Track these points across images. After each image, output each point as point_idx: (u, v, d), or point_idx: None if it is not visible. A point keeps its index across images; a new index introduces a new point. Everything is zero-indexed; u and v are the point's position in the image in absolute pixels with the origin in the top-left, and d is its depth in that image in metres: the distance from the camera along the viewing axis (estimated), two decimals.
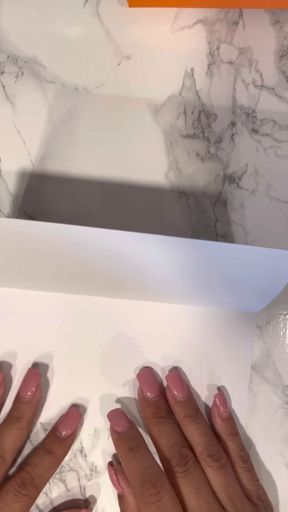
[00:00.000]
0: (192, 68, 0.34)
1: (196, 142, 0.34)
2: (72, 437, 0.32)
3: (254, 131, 0.34)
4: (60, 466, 0.34)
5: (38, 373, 0.32)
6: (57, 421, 0.32)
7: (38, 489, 0.30)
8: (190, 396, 0.32)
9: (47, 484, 0.34)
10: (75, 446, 0.34)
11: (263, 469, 0.33)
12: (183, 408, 0.31)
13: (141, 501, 0.27)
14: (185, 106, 0.34)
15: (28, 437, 0.33)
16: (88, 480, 0.34)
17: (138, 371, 0.32)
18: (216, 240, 0.34)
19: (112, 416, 0.31)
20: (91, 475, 0.34)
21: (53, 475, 0.34)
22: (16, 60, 0.34)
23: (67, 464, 0.34)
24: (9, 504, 0.29)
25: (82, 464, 0.34)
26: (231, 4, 0.33)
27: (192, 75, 0.34)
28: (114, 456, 0.34)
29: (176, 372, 0.32)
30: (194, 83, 0.34)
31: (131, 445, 0.29)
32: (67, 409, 0.33)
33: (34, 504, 0.33)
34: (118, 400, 0.33)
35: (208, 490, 0.28)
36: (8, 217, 0.35)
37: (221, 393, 0.33)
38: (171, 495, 0.27)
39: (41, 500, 0.34)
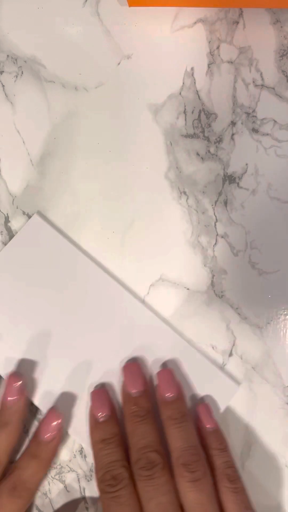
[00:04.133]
0: (192, 68, 0.34)
1: (196, 142, 0.34)
2: (57, 439, 0.31)
3: (254, 130, 0.34)
4: (59, 466, 0.34)
5: (18, 378, 0.31)
6: (38, 426, 0.31)
7: (30, 490, 0.30)
8: (179, 397, 0.30)
9: (47, 484, 0.33)
10: (75, 446, 0.34)
11: (263, 469, 0.33)
12: (168, 408, 0.29)
13: (99, 489, 0.27)
14: (185, 106, 0.34)
15: (21, 435, 0.33)
16: (88, 480, 0.33)
17: (124, 363, 0.31)
18: (216, 240, 0.34)
19: (95, 398, 0.30)
20: (91, 475, 0.33)
21: (53, 475, 0.34)
22: (16, 59, 0.34)
23: (67, 465, 0.34)
24: (4, 507, 0.29)
25: (82, 464, 0.34)
26: (231, 4, 0.33)
27: (192, 74, 0.34)
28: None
29: (167, 370, 0.31)
30: (194, 82, 0.34)
31: (104, 437, 0.29)
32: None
33: (34, 505, 0.33)
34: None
35: (171, 501, 0.26)
36: (8, 217, 0.35)
37: (205, 404, 0.31)
38: (130, 492, 0.27)
39: (40, 500, 0.34)
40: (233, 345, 0.34)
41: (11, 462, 0.32)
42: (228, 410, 0.33)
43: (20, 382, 0.31)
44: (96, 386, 0.32)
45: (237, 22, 0.34)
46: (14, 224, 0.35)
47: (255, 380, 0.34)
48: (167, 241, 0.34)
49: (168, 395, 0.30)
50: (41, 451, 0.30)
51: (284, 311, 0.34)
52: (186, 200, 0.34)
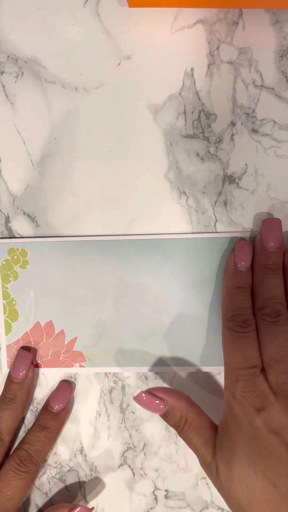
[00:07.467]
0: (192, 68, 0.34)
1: (196, 142, 0.34)
2: (65, 410, 0.33)
3: (254, 131, 0.34)
4: (60, 466, 0.34)
5: (29, 354, 0.32)
6: (49, 397, 0.33)
7: (37, 464, 0.31)
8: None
9: (47, 483, 0.34)
10: (75, 446, 0.34)
11: None
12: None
13: (227, 327, 0.29)
14: (185, 106, 0.34)
15: (23, 417, 0.33)
16: (88, 480, 0.34)
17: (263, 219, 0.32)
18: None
19: (240, 249, 0.31)
20: (91, 475, 0.34)
21: (53, 475, 0.34)
22: (16, 60, 0.35)
23: (67, 464, 0.34)
24: (10, 483, 0.29)
25: (82, 464, 0.34)
26: (231, 4, 0.33)
27: (192, 75, 0.34)
28: (108, 459, 0.34)
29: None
30: (194, 83, 0.34)
31: (240, 284, 0.30)
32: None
33: (35, 504, 0.34)
34: None
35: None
36: (9, 217, 0.35)
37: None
38: (255, 335, 0.29)
39: (40, 499, 0.34)
40: None
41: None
42: None
43: (30, 358, 0.32)
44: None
45: (237, 23, 0.34)
46: (15, 224, 0.35)
47: None
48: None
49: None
50: (51, 422, 0.32)
51: None
52: (186, 200, 0.34)
